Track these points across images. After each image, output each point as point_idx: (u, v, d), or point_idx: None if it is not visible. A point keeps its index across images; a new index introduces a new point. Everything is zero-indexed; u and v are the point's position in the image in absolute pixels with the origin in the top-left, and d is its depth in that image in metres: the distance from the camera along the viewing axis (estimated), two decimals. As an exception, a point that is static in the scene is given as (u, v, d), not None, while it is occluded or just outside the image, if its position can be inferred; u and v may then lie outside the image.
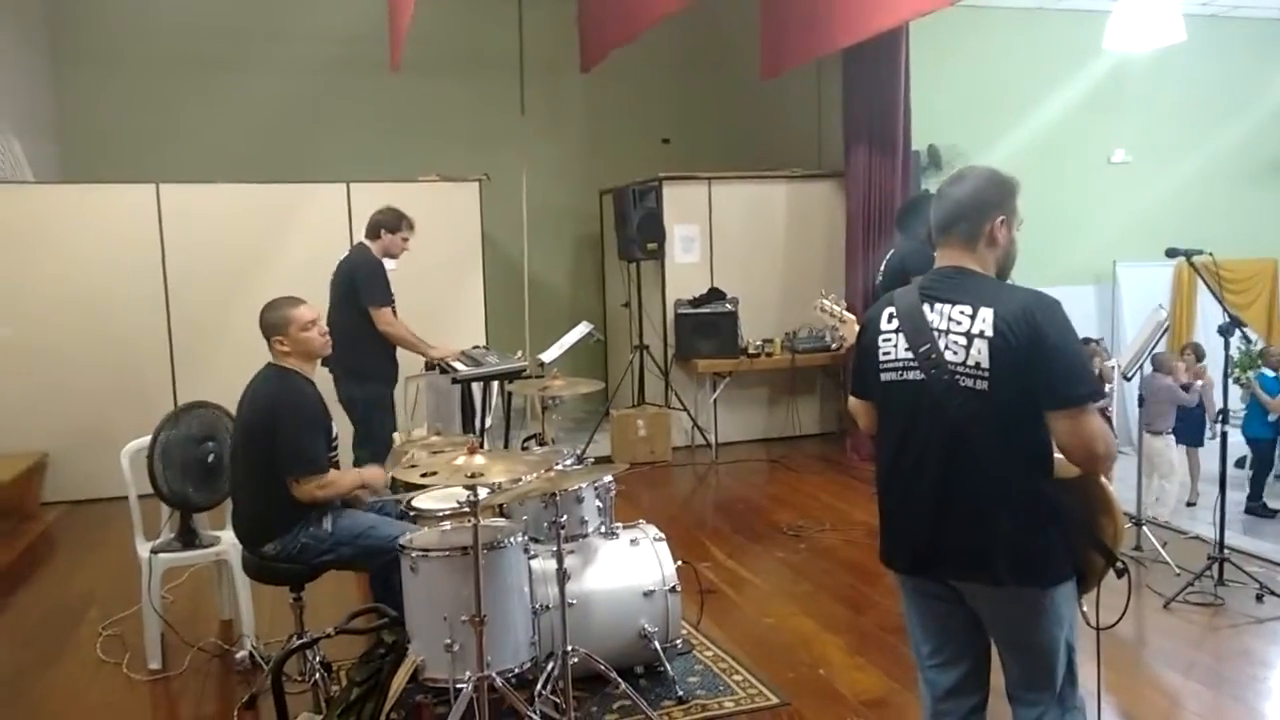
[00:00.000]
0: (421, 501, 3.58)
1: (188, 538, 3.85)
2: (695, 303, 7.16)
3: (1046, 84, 8.07)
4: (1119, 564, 2.13)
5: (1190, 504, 6.73)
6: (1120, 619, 2.37)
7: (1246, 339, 4.00)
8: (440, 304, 6.59)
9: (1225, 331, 3.89)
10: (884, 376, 2.21)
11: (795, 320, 7.40)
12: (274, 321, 3.32)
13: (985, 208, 2.16)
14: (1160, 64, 7.81)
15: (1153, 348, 4.47)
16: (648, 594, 3.41)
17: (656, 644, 3.39)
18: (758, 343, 7.23)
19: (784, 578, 4.61)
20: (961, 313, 2.09)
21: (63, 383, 6.24)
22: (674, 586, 3.46)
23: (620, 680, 3.20)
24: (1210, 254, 3.89)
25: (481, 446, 3.13)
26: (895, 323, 2.19)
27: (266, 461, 3.22)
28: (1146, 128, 8.54)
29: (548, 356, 5.28)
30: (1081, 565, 2.13)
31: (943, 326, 2.10)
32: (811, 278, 7.50)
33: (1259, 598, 3.98)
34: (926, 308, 2.14)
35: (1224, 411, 4.09)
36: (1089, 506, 2.14)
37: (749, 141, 8.47)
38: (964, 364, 2.06)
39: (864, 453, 6.84)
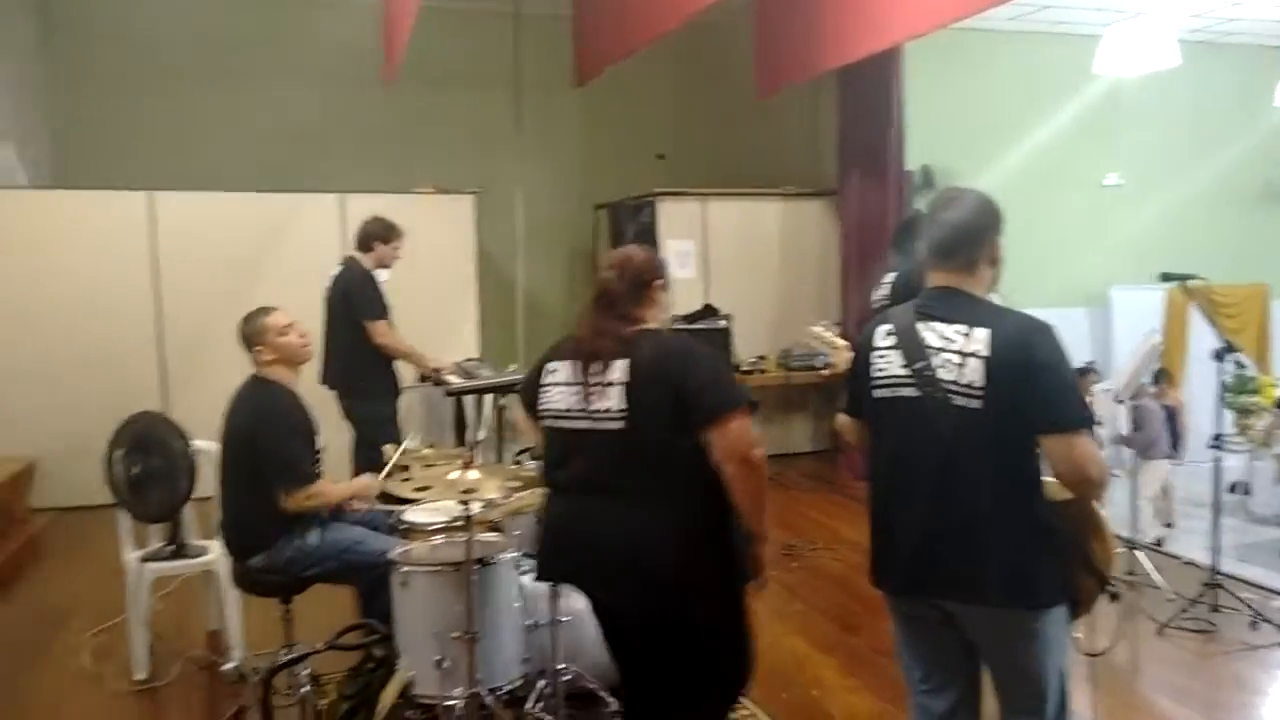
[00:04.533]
0: (412, 515, 3.56)
1: (177, 547, 3.83)
2: (689, 319, 7.16)
3: (1041, 106, 8.12)
4: (1111, 588, 2.14)
5: (1168, 525, 6.64)
6: (1112, 646, 2.37)
7: (1240, 364, 3.99)
8: (434, 316, 6.57)
9: (1219, 356, 3.90)
10: (877, 393, 2.21)
11: (788, 338, 7.41)
12: (251, 332, 3.33)
13: (985, 229, 2.19)
14: (1153, 88, 7.87)
15: (1146, 372, 4.48)
16: (640, 612, 3.38)
17: (648, 663, 3.35)
18: (751, 360, 7.23)
19: (777, 597, 4.58)
20: (957, 331, 2.10)
21: (52, 389, 6.20)
22: (667, 605, 3.43)
23: (612, 699, 3.17)
24: (1204, 279, 3.91)
25: (474, 460, 3.10)
26: (892, 339, 2.20)
27: (251, 473, 3.20)
28: (1139, 151, 8.60)
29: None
30: (1074, 590, 2.13)
31: (937, 345, 2.11)
32: (805, 295, 7.53)
33: (1253, 624, 3.97)
34: (922, 326, 2.15)
35: (1219, 436, 4.09)
36: (1080, 530, 2.15)
37: (743, 159, 8.49)
38: (957, 382, 2.07)
39: (857, 471, 6.82)
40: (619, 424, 2.30)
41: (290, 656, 2.04)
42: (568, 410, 2.39)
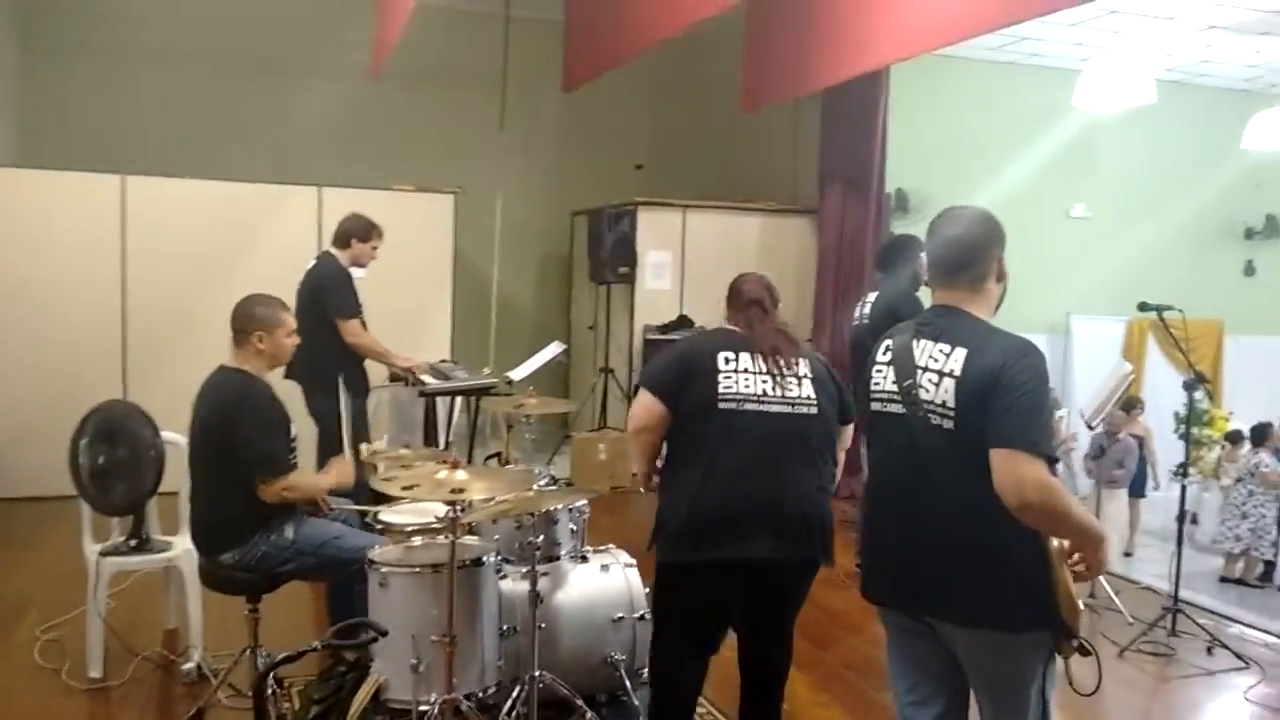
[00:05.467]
0: (389, 515, 3.51)
1: (139, 542, 3.72)
2: (664, 329, 7.16)
3: (1015, 136, 8.24)
4: (1075, 640, 2.07)
5: (1127, 554, 6.83)
6: (1099, 688, 2.37)
7: (1209, 394, 4.08)
8: (407, 314, 6.49)
9: (1190, 387, 3.99)
10: (873, 406, 2.26)
11: (762, 353, 7.44)
12: (264, 317, 3.23)
13: (989, 246, 2.21)
14: (1126, 125, 8.04)
15: (1116, 400, 4.57)
16: (616, 621, 3.36)
17: (623, 673, 3.33)
18: (723, 372, 7.23)
19: (746, 610, 4.57)
20: (941, 351, 2.12)
21: (5, 374, 6.02)
22: (643, 615, 3.41)
23: (587, 709, 3.14)
24: (1181, 311, 3.99)
25: (459, 461, 3.06)
26: (888, 356, 2.23)
27: (226, 466, 3.13)
28: (1108, 186, 8.77)
29: (517, 375, 5.20)
30: (1056, 620, 2.07)
31: (923, 363, 2.14)
32: (781, 312, 7.55)
33: (1209, 650, 4.06)
34: (915, 344, 2.17)
35: (1184, 465, 4.17)
36: (1047, 561, 2.07)
37: (722, 172, 8.53)
38: (933, 402, 2.09)
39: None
40: (814, 409, 2.75)
41: (286, 655, 1.98)
42: (762, 395, 2.73)
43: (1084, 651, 2.10)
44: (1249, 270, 9.46)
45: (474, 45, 7.65)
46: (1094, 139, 8.43)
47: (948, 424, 2.06)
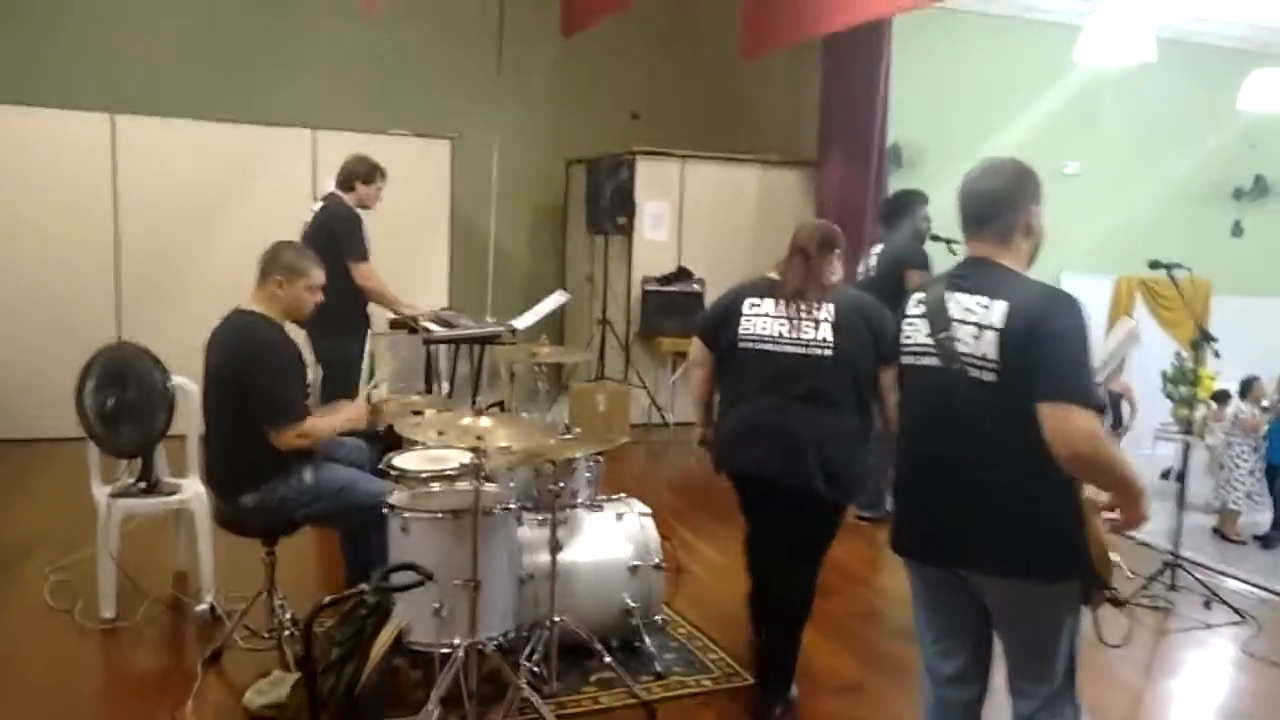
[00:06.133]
0: (403, 461, 3.50)
1: (150, 484, 3.69)
2: (663, 280, 7.13)
3: (1013, 92, 8.21)
4: (1110, 591, 2.12)
5: None
6: (1127, 641, 2.40)
7: (1216, 354, 4.12)
8: (404, 261, 6.41)
9: (1197, 345, 4.02)
10: (905, 359, 2.26)
11: (758, 305, 7.45)
12: (293, 264, 3.19)
13: (1023, 199, 2.18)
14: (1121, 83, 8.02)
15: (1122, 357, 4.59)
16: (632, 569, 3.39)
17: (638, 619, 3.37)
18: (721, 325, 7.23)
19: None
20: (978, 303, 2.10)
21: (-1, 316, 5.92)
22: (658, 563, 3.44)
23: (605, 652, 3.18)
24: (1189, 269, 4.02)
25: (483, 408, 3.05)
26: (921, 308, 2.21)
27: (241, 410, 3.09)
28: (1100, 144, 8.77)
29: (521, 323, 5.17)
30: (1089, 570, 2.10)
31: (959, 316, 2.12)
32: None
33: (1207, 604, 4.15)
34: (949, 296, 2.15)
35: (1189, 422, 4.23)
36: (1080, 511, 2.11)
37: (719, 123, 8.42)
38: (973, 355, 2.07)
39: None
40: (828, 351, 2.89)
41: (335, 595, 1.98)
42: (777, 336, 2.95)
43: (1116, 602, 2.13)
44: (1236, 231, 9.53)
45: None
46: (1089, 96, 8.40)
47: (988, 376, 2.05)
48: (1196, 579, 4.23)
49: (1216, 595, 4.15)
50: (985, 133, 7.98)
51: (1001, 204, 2.17)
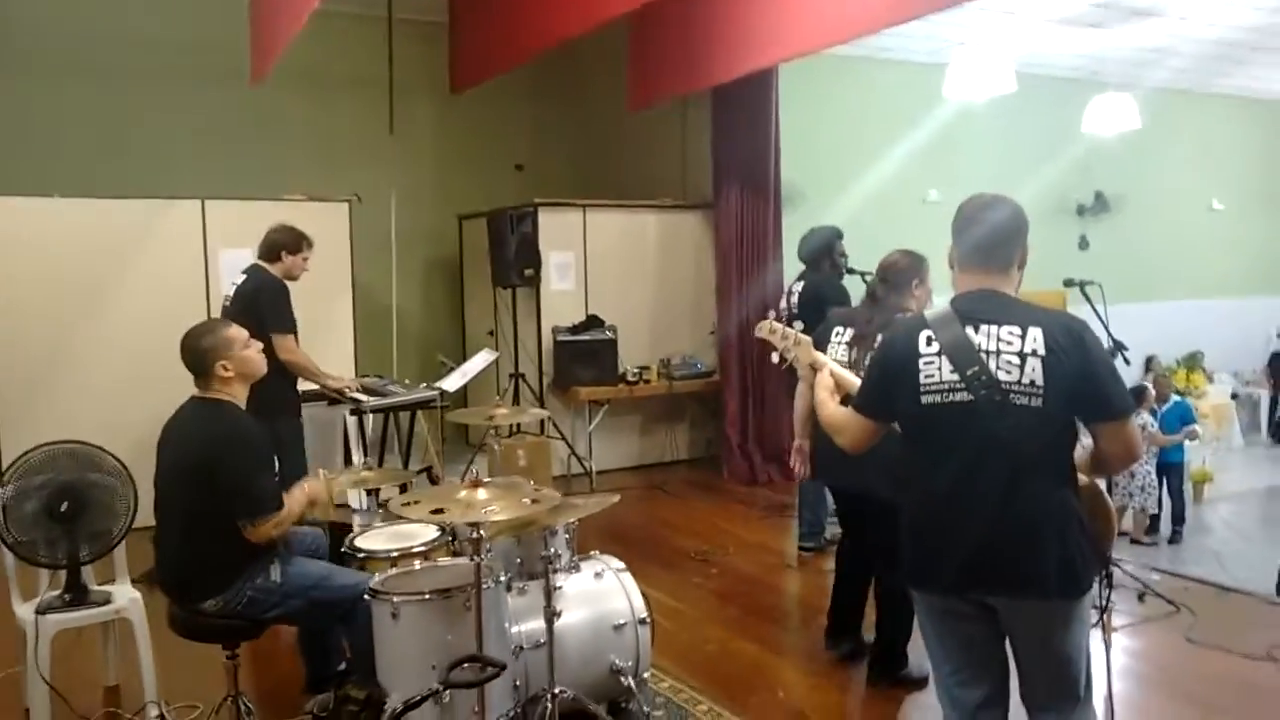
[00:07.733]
0: (365, 542, 3.35)
1: (78, 595, 3.38)
2: (574, 330, 7.10)
3: (885, 129, 8.63)
4: (1111, 568, 2.33)
5: None
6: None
7: (1125, 361, 4.39)
8: (309, 329, 6.11)
9: (1110, 355, 4.28)
10: (925, 399, 2.22)
11: (668, 347, 7.51)
12: (214, 346, 2.99)
13: (1022, 233, 2.31)
14: (978, 114, 8.56)
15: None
16: (618, 627, 3.32)
17: (630, 679, 3.30)
18: (634, 370, 7.26)
19: (709, 603, 4.62)
20: (1011, 333, 2.17)
21: None
22: (643, 618, 3.39)
23: (609, 718, 3.10)
24: (1099, 285, 4.29)
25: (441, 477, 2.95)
26: (935, 345, 2.22)
27: (207, 508, 2.88)
28: (960, 170, 9.30)
29: (451, 385, 5.05)
30: (1105, 566, 2.32)
31: (992, 348, 2.17)
32: (682, 305, 7.65)
33: (1140, 598, 4.39)
34: (970, 330, 2.20)
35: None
36: (1096, 514, 2.30)
37: (609, 172, 8.53)
38: (1019, 382, 2.14)
39: (741, 477, 7.01)
40: None
41: (411, 698, 1.86)
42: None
43: (1109, 580, 2.37)
44: (1083, 244, 10.27)
45: (358, 48, 7.37)
46: (953, 127, 8.93)
47: (1036, 401, 2.12)
48: (1126, 573, 4.48)
49: (1149, 588, 4.40)
50: (858, 169, 8.35)
51: (1008, 236, 2.29)
